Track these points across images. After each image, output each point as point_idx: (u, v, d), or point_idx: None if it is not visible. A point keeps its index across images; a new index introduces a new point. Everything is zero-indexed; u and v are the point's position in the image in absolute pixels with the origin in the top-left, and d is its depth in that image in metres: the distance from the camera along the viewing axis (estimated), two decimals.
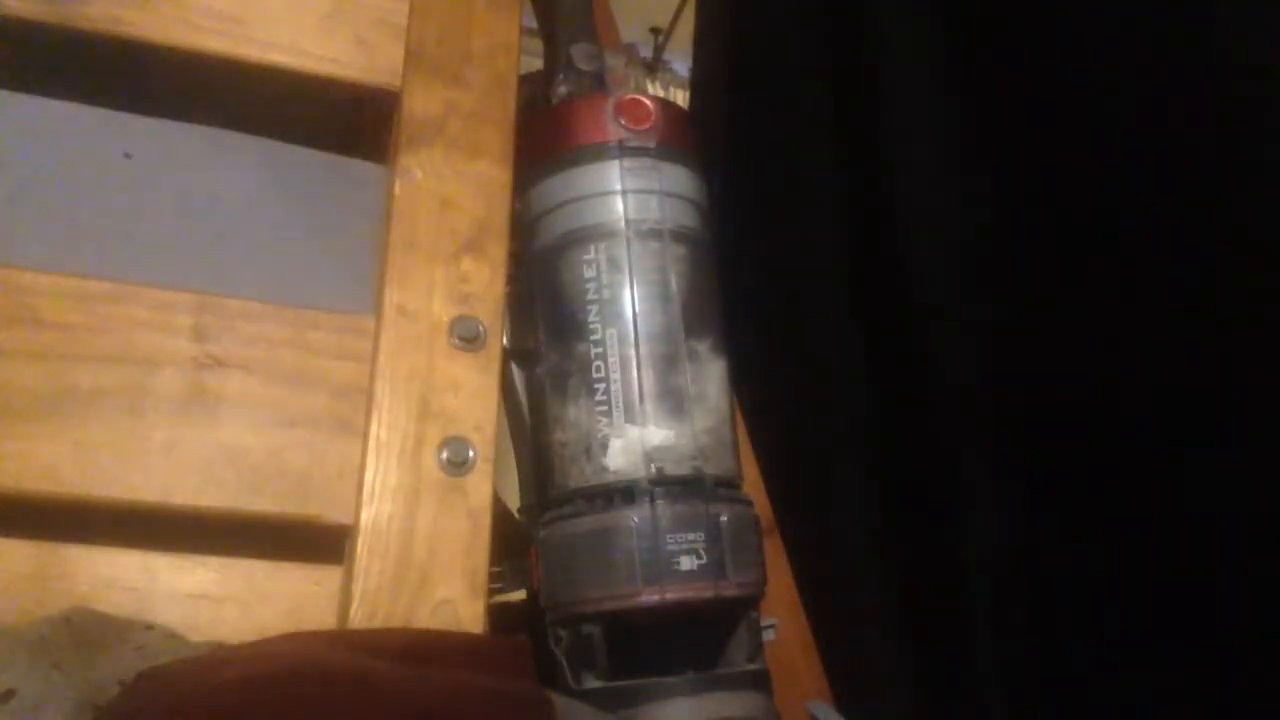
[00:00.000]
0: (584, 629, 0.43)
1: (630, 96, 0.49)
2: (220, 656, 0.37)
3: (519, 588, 0.48)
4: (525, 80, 0.53)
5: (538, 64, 0.57)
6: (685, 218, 0.49)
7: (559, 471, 0.46)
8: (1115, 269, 0.51)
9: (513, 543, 0.48)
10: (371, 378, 0.45)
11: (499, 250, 0.49)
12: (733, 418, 0.49)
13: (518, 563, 0.48)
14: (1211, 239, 0.46)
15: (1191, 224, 0.47)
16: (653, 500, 0.43)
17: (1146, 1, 0.48)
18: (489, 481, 0.45)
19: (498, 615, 0.46)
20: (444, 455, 0.44)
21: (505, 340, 0.48)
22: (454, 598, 0.43)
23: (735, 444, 0.48)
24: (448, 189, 0.49)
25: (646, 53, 2.62)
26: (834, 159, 0.71)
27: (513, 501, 0.51)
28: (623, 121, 0.49)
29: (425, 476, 0.44)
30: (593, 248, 0.47)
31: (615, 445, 0.45)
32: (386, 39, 0.50)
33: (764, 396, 0.69)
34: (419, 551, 0.43)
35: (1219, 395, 0.46)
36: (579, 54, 0.52)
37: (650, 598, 0.42)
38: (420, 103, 0.50)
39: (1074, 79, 0.52)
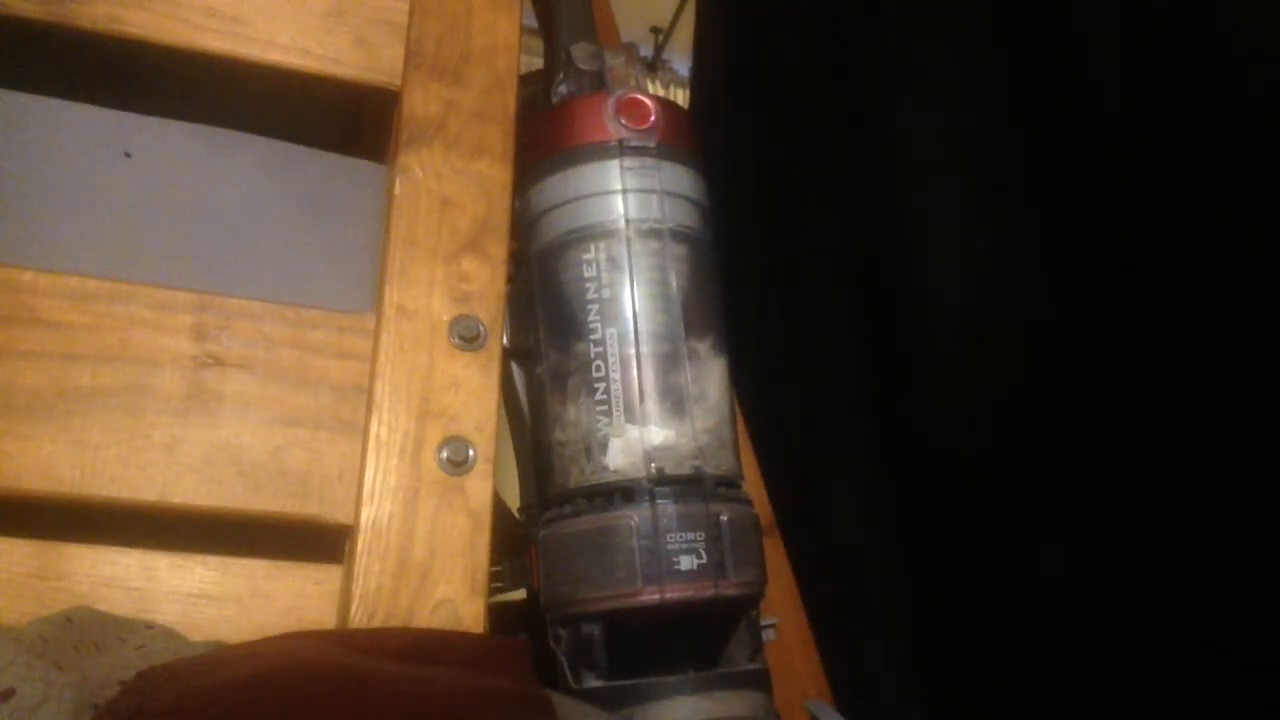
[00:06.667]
0: (584, 628, 0.43)
1: (631, 95, 0.49)
2: (220, 656, 0.37)
3: (519, 587, 0.48)
4: (525, 80, 0.53)
5: (538, 64, 0.57)
6: (686, 217, 0.49)
7: (559, 471, 0.46)
8: (1121, 267, 0.51)
9: (513, 542, 0.48)
10: (371, 377, 0.45)
11: (499, 249, 0.49)
12: (733, 417, 0.49)
13: (518, 562, 0.48)
14: (1215, 236, 0.46)
15: (1192, 226, 0.47)
16: (653, 500, 0.43)
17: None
18: (489, 481, 0.45)
19: (498, 615, 0.46)
20: (444, 455, 0.44)
21: (505, 339, 0.48)
22: (454, 597, 0.43)
23: (735, 443, 0.48)
24: (448, 188, 0.49)
25: (647, 52, 2.63)
26: (835, 157, 0.71)
27: (513, 501, 0.51)
28: (623, 120, 0.48)
29: (425, 476, 0.44)
30: (593, 247, 0.47)
31: (615, 445, 0.45)
32: (386, 38, 0.50)
33: (765, 395, 0.69)
34: (419, 551, 0.43)
35: (1224, 394, 0.46)
36: (579, 53, 0.52)
37: (650, 597, 0.42)
38: (420, 102, 0.50)
39: (1081, 76, 0.52)
